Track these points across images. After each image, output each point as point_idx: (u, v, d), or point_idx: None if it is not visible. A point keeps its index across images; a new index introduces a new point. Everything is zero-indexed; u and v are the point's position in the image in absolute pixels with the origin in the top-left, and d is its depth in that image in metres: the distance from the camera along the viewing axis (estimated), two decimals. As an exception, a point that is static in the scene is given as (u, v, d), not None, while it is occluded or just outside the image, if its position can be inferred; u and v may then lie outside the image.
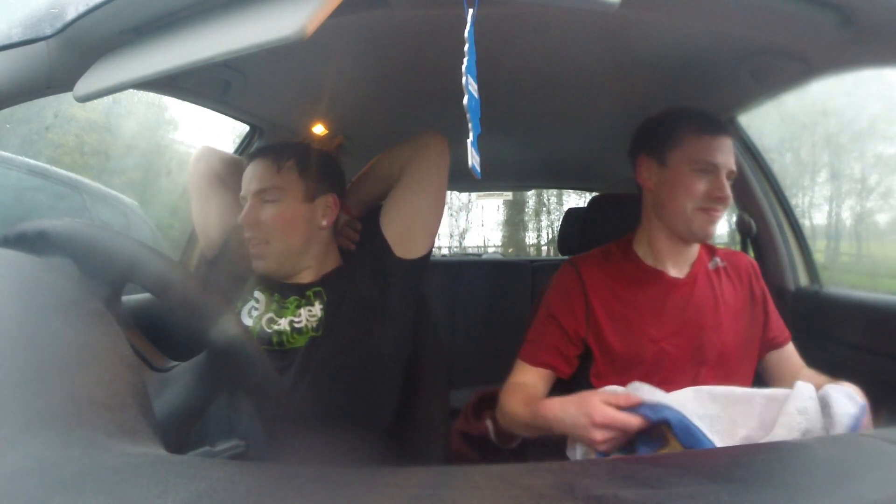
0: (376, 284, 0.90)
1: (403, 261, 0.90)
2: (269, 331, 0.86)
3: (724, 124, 0.91)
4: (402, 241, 0.90)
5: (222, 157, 1.02)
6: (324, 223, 0.91)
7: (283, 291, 0.91)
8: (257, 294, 0.91)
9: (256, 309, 0.89)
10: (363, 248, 0.94)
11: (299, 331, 0.86)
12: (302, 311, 0.88)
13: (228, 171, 1.00)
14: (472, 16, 0.49)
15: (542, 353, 0.90)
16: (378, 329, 0.89)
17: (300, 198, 0.89)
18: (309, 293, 0.90)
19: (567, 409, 0.74)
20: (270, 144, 0.98)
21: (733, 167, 0.88)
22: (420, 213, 0.91)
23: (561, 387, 0.91)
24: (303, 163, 0.91)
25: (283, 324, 0.87)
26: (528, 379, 0.90)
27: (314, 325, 0.87)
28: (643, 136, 0.95)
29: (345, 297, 0.89)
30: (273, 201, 0.87)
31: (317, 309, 0.88)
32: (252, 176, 0.89)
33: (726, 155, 0.88)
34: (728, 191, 0.87)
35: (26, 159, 1.74)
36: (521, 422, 0.83)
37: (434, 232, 0.95)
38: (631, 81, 1.11)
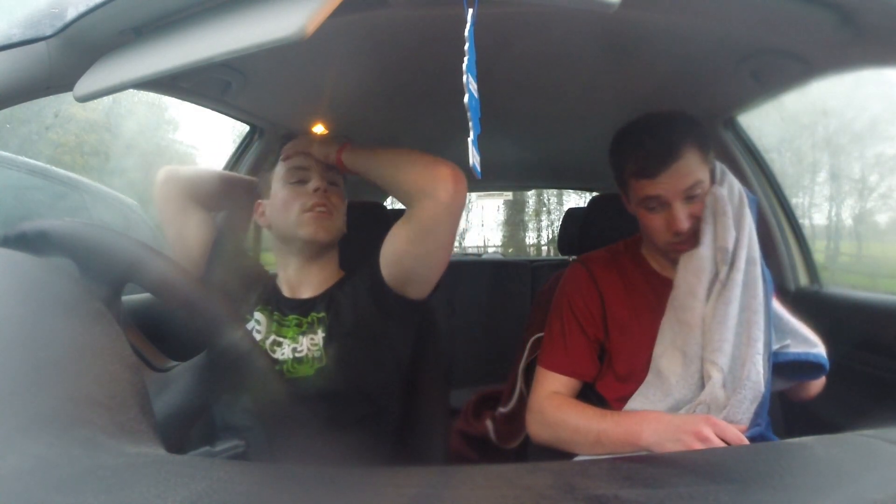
0: (378, 312, 0.87)
1: (403, 298, 0.86)
2: (274, 356, 0.85)
3: (664, 155, 0.79)
4: (401, 286, 0.85)
5: (188, 175, 0.95)
6: None
7: (283, 309, 0.90)
8: (258, 315, 0.90)
9: (258, 332, 0.88)
10: (362, 273, 0.90)
11: (300, 360, 0.85)
12: (304, 339, 0.86)
13: (197, 189, 0.94)
14: (472, 15, 0.49)
15: (572, 363, 0.87)
16: (381, 348, 0.88)
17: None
18: (312, 318, 0.88)
19: (672, 420, 0.73)
20: None
21: (689, 183, 0.79)
22: (423, 263, 0.83)
23: None
24: None
25: (287, 351, 0.85)
26: (560, 388, 0.86)
27: (316, 354, 0.85)
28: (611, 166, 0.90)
29: (346, 322, 0.87)
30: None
31: (319, 338, 0.86)
32: None
33: (673, 182, 0.79)
34: (682, 223, 0.80)
35: (26, 159, 1.74)
36: (589, 432, 0.77)
37: (438, 276, 0.85)
38: (631, 81, 1.11)
